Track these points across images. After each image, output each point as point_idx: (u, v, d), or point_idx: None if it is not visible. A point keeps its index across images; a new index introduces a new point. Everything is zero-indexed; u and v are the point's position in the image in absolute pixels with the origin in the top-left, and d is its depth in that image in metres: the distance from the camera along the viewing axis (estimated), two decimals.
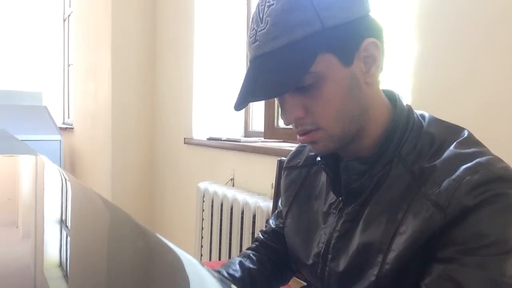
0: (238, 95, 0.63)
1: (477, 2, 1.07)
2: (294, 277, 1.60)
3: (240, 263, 0.83)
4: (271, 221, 0.92)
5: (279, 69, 0.60)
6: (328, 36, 0.59)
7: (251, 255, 0.87)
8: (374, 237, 0.62)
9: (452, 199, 0.55)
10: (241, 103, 0.63)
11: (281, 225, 0.87)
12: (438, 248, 0.56)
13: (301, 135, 0.66)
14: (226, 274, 0.81)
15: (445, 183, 0.56)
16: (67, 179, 0.96)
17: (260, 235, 0.92)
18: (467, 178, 0.55)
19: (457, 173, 0.56)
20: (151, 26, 2.91)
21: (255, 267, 0.84)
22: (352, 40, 0.61)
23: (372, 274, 0.61)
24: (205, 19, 2.44)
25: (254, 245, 0.91)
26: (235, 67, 2.40)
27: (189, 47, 2.48)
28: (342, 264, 0.66)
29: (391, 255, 0.59)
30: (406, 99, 1.18)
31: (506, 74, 1.02)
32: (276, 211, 0.92)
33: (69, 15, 4.67)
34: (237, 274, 0.81)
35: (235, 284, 0.80)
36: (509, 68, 1.01)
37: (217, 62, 2.44)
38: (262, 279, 0.84)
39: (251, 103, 2.31)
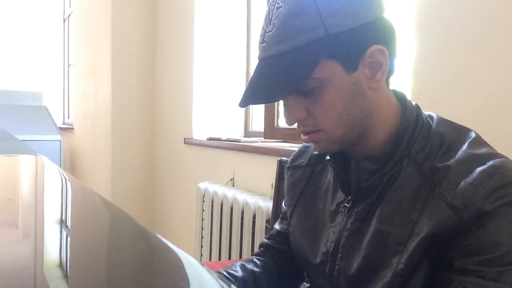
0: (244, 93, 0.64)
1: (476, 2, 1.07)
2: None
3: (242, 265, 0.82)
4: (276, 225, 0.90)
5: (281, 74, 0.60)
6: (332, 43, 0.59)
7: (254, 259, 0.85)
8: (389, 238, 0.62)
9: (469, 203, 0.55)
10: (245, 102, 0.64)
11: (286, 226, 0.86)
12: (453, 254, 0.56)
13: (304, 134, 0.67)
14: (225, 274, 0.79)
15: (461, 186, 0.56)
16: (67, 179, 0.96)
17: (265, 240, 0.91)
18: (484, 182, 0.55)
19: (473, 175, 0.56)
20: (151, 26, 2.91)
21: (259, 270, 0.82)
22: (357, 47, 0.61)
23: (387, 275, 0.61)
24: (205, 19, 2.44)
25: (259, 251, 0.89)
26: (235, 67, 2.40)
27: (189, 47, 2.48)
28: (354, 264, 0.66)
29: (408, 256, 0.59)
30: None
31: (506, 74, 1.02)
32: (281, 215, 0.91)
33: (69, 15, 4.67)
34: (238, 274, 0.79)
35: (236, 283, 0.79)
36: (509, 68, 1.01)
37: (217, 62, 2.44)
38: (266, 282, 0.82)
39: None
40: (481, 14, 1.06)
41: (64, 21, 4.95)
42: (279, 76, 0.60)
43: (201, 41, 2.44)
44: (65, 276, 0.41)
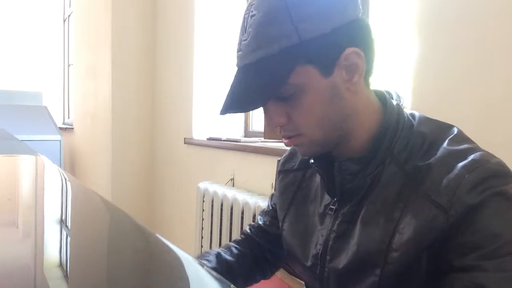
0: (224, 101, 0.65)
1: (477, 2, 1.07)
2: (294, 277, 1.60)
3: (218, 255, 0.84)
4: (259, 217, 0.93)
5: (257, 81, 0.61)
6: (306, 48, 0.59)
7: (232, 248, 0.88)
8: (373, 237, 0.62)
9: (454, 199, 0.55)
10: (225, 110, 0.65)
11: (267, 222, 0.89)
12: (451, 255, 0.56)
13: (285, 139, 0.67)
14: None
15: (444, 183, 0.57)
16: (67, 179, 0.96)
17: (248, 228, 0.94)
18: (466, 176, 0.56)
19: (455, 171, 0.57)
20: (151, 26, 2.91)
21: (233, 259, 0.85)
22: (332, 51, 0.61)
23: (374, 274, 0.61)
24: (205, 19, 2.44)
25: (239, 238, 0.93)
26: (235, 67, 2.40)
27: (189, 47, 2.48)
28: (341, 265, 0.66)
29: (394, 255, 0.60)
30: (407, 100, 1.18)
31: (506, 75, 1.02)
32: (265, 209, 0.93)
33: (69, 15, 4.67)
34: (211, 264, 0.82)
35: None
36: (509, 68, 1.01)
37: (217, 62, 2.44)
38: (240, 271, 0.85)
39: None
40: (483, 15, 1.06)
41: (64, 21, 4.95)
42: (255, 84, 0.61)
43: (201, 41, 2.44)
44: (65, 276, 0.41)
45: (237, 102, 0.63)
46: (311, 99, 0.62)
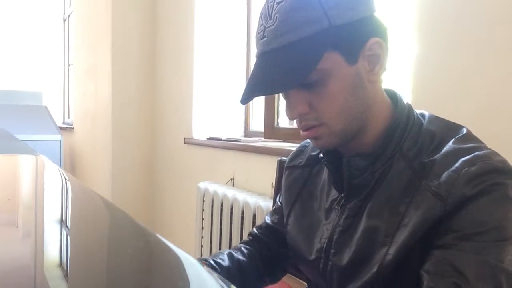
0: (245, 89, 0.65)
1: (477, 2, 1.07)
2: (294, 277, 1.60)
3: (229, 254, 0.84)
4: (267, 218, 0.93)
5: (287, 65, 0.61)
6: (335, 35, 0.60)
7: (242, 248, 0.88)
8: (378, 231, 0.63)
9: (451, 190, 0.56)
10: (248, 97, 0.64)
11: (276, 221, 0.89)
12: (436, 235, 0.57)
13: (304, 130, 0.67)
14: (212, 262, 0.81)
15: (444, 175, 0.58)
16: (67, 179, 0.96)
17: (255, 229, 0.93)
18: (466, 169, 0.57)
19: (456, 165, 0.58)
20: (151, 26, 2.91)
21: (245, 259, 0.84)
22: (358, 39, 0.62)
23: (374, 266, 0.62)
24: (205, 19, 2.44)
25: (247, 239, 0.92)
26: (235, 67, 2.40)
27: (189, 47, 2.48)
28: (345, 258, 0.67)
29: (393, 247, 0.61)
30: (407, 99, 1.18)
31: (506, 74, 1.02)
32: (274, 207, 0.93)
33: (69, 15, 4.67)
34: (224, 263, 0.81)
35: (221, 272, 0.80)
36: (509, 67, 1.01)
37: (217, 62, 2.44)
38: (251, 272, 0.84)
39: (252, 102, 2.32)
40: (482, 14, 1.06)
41: (64, 21, 4.95)
42: (285, 67, 0.61)
43: (201, 41, 2.44)
44: (65, 276, 0.41)
45: (264, 86, 0.62)
46: (336, 86, 0.62)
